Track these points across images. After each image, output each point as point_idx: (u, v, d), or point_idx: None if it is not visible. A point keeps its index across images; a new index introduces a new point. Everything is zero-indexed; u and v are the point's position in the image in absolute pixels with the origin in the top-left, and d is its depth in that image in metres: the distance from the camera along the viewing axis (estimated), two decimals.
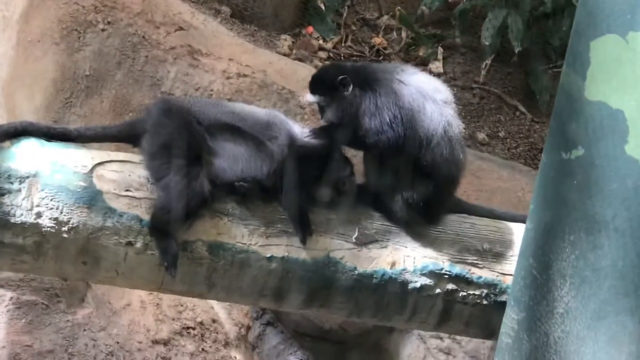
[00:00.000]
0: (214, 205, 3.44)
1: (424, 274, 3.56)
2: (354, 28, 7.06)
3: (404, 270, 3.56)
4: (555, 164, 2.90)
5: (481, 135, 6.56)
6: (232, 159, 3.45)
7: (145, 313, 5.18)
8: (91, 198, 3.35)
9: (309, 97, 3.67)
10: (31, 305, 4.79)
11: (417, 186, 3.56)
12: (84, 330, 4.91)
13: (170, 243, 3.36)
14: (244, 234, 3.46)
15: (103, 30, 5.77)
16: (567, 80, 2.88)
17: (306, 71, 5.77)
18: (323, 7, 6.92)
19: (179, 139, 3.40)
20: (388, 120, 3.49)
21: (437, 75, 6.52)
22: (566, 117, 2.86)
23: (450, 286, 3.58)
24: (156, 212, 3.36)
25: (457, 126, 3.64)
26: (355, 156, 3.69)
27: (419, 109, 3.54)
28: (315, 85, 3.66)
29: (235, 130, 3.50)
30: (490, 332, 3.61)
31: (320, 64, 6.46)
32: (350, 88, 3.57)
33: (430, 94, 3.58)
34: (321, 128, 3.63)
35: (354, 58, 6.75)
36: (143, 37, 5.80)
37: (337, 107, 3.59)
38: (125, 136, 3.57)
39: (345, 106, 3.58)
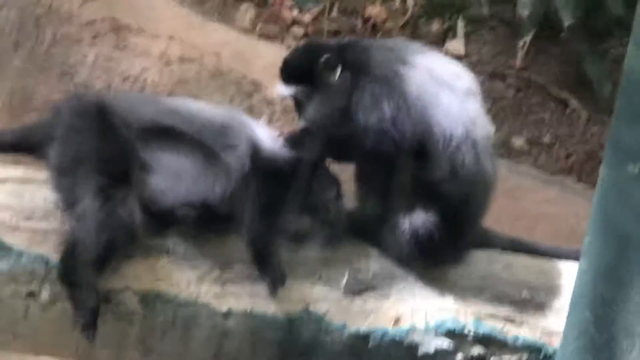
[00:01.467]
0: (148, 241, 3.45)
1: (440, 334, 3.58)
2: None
3: (412, 328, 3.57)
4: (619, 180, 2.92)
5: (519, 141, 6.59)
6: (172, 177, 3.46)
7: None
8: None
9: (282, 89, 3.68)
10: None
11: (429, 210, 3.57)
12: None
13: (87, 293, 3.36)
14: (191, 280, 3.47)
15: None
16: (635, 64, 2.90)
17: (276, 53, 5.78)
18: None
19: (98, 149, 3.42)
20: (389, 115, 3.50)
21: (457, 57, 6.54)
22: (633, 116, 2.88)
23: (477, 350, 3.60)
24: (68, 251, 3.36)
25: (485, 127, 3.66)
26: (344, 172, 3.70)
27: (432, 100, 3.55)
28: (290, 71, 3.68)
29: (177, 136, 3.51)
30: None
31: (295, 43, 6.48)
32: (338, 72, 3.58)
33: (447, 81, 3.60)
34: (297, 131, 3.64)
35: (342, 35, 6.77)
36: (50, 7, 5.82)
37: (320, 100, 3.61)
38: (24, 145, 3.58)
39: (331, 98, 3.59)
